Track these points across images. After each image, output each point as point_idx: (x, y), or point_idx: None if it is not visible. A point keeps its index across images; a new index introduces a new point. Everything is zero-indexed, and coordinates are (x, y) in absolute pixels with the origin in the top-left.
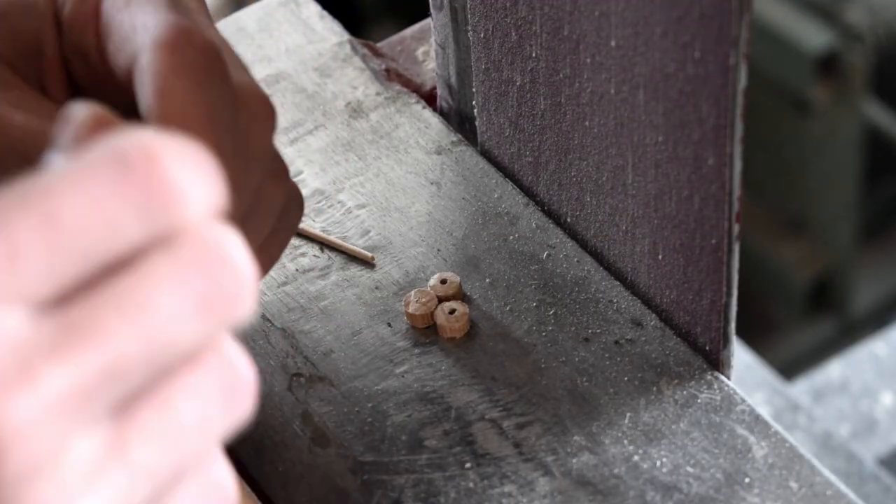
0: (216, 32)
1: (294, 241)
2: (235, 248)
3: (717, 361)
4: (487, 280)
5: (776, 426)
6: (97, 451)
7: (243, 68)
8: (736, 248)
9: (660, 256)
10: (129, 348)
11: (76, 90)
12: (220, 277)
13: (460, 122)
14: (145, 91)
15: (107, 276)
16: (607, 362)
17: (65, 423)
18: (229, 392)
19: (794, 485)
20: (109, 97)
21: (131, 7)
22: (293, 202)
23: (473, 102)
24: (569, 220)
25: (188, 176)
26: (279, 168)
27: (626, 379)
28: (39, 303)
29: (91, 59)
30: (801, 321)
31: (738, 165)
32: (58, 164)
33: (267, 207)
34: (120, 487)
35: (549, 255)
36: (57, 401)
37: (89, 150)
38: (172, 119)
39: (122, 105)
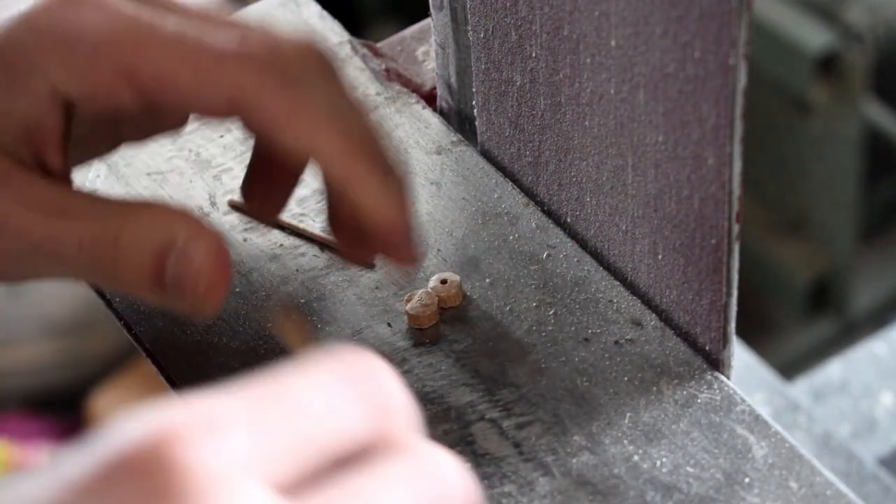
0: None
1: (294, 241)
2: (450, 464)
3: (717, 361)
4: (487, 280)
5: (776, 426)
6: None
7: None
8: (736, 248)
9: (660, 256)
10: None
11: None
12: (438, 489)
13: (460, 122)
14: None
15: (333, 471)
16: (607, 362)
17: None
18: None
19: (794, 485)
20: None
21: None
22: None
23: (473, 102)
24: (569, 220)
25: (399, 391)
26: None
27: (626, 379)
28: (279, 486)
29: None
30: (801, 321)
31: (738, 165)
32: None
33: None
34: None
35: (549, 255)
36: None
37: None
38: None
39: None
